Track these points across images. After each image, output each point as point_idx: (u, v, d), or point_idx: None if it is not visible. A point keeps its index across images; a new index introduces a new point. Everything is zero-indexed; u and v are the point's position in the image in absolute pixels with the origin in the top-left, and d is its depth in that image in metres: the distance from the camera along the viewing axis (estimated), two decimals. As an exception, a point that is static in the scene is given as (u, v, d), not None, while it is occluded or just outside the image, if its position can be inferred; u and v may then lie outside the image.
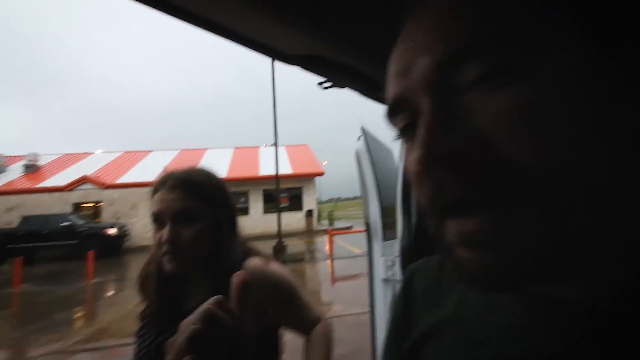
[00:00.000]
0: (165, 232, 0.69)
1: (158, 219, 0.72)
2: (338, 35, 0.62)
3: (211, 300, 0.33)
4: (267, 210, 17.68)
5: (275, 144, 9.90)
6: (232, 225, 0.79)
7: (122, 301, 6.18)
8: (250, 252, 0.82)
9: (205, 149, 22.09)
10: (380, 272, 1.34)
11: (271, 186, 16.97)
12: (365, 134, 1.54)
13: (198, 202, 0.72)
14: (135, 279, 0.81)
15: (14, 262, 7.90)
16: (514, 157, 0.20)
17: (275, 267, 0.80)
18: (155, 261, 0.76)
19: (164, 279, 0.74)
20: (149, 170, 17.54)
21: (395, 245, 1.33)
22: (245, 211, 17.47)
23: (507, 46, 0.21)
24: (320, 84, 0.85)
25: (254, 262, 0.76)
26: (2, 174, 16.71)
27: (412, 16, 0.26)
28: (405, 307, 0.40)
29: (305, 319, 0.82)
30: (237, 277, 0.34)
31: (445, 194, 0.23)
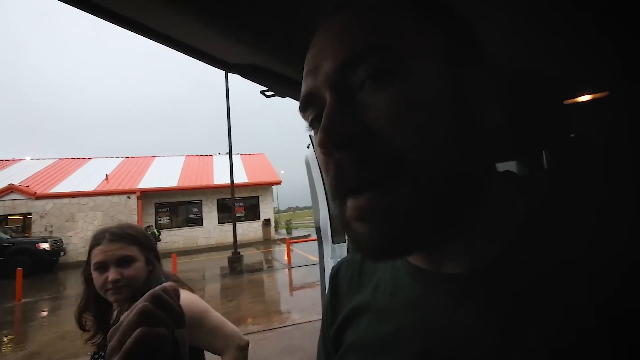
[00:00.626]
0: (111, 274, 0.89)
1: (101, 266, 0.91)
2: (275, 46, 0.66)
3: (144, 298, 0.36)
4: (222, 220, 17.04)
5: (230, 152, 9.66)
6: (157, 261, 1.02)
7: (57, 322, 5.54)
8: (169, 277, 1.02)
9: (153, 157, 20.78)
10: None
11: (226, 195, 16.45)
12: (313, 141, 1.61)
13: (133, 248, 0.95)
14: (74, 316, 0.98)
15: None
16: (392, 142, 0.26)
17: (185, 295, 0.94)
18: (96, 301, 0.95)
19: (104, 313, 0.96)
20: (88, 179, 16.05)
21: (345, 248, 1.39)
22: (198, 222, 16.68)
23: (388, 55, 0.26)
24: (262, 92, 0.88)
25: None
26: None
27: (322, 26, 0.31)
28: (332, 297, 0.45)
29: (212, 341, 0.94)
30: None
31: (345, 175, 0.27)
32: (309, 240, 13.64)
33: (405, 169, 0.25)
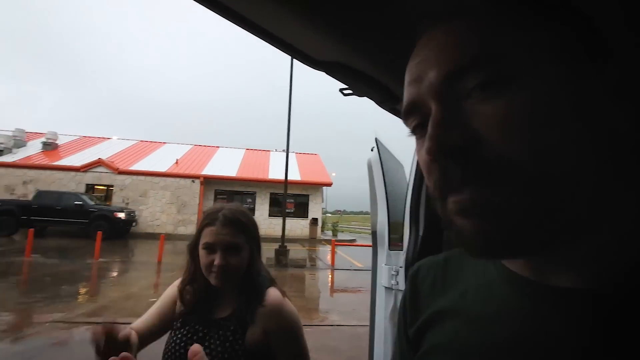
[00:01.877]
0: (217, 258, 0.89)
1: (210, 247, 0.91)
2: (362, 45, 0.67)
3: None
4: (272, 214, 17.73)
5: (287, 150, 10.00)
6: (259, 252, 1.02)
7: (125, 283, 6.27)
8: (270, 280, 1.01)
9: (217, 147, 22.38)
10: (383, 280, 1.36)
11: (279, 190, 17.07)
12: (379, 145, 1.58)
13: (242, 237, 0.94)
14: (178, 289, 0.97)
15: (27, 232, 8.19)
16: (498, 151, 0.26)
17: (291, 306, 0.96)
18: (198, 276, 0.94)
19: (204, 291, 0.94)
20: (162, 161, 17.85)
21: (401, 256, 1.35)
22: (251, 212, 17.49)
23: (497, 65, 0.26)
24: (342, 90, 0.89)
25: (275, 294, 0.95)
26: (21, 149, 17.21)
27: (424, 36, 0.32)
28: (412, 297, 0.44)
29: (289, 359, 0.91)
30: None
31: (449, 179, 0.28)
32: (355, 245, 13.54)
33: (511, 176, 0.26)
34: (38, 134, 19.01)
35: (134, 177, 15.92)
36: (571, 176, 0.25)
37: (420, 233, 1.19)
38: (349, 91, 0.89)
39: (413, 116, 0.33)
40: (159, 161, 17.79)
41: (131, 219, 13.70)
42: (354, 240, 17.57)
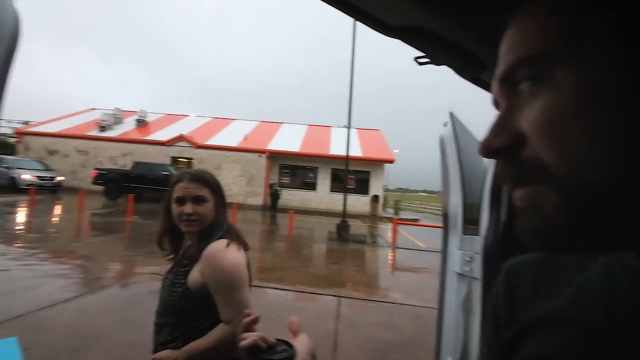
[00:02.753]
0: (187, 208, 1.06)
1: (180, 200, 1.08)
2: (446, 8, 0.58)
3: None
4: (333, 189, 18.01)
5: (348, 125, 9.86)
6: (224, 207, 1.16)
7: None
8: (230, 233, 1.11)
9: (281, 123, 23.12)
10: (454, 265, 1.29)
11: (340, 166, 17.15)
12: (454, 119, 1.44)
13: (206, 190, 1.10)
14: (156, 239, 1.16)
15: (128, 197, 9.70)
16: (538, 155, 0.26)
17: (226, 256, 1.02)
18: (172, 228, 1.12)
19: (178, 239, 1.14)
20: (232, 136, 19.16)
21: (477, 242, 1.25)
22: (313, 187, 18.07)
23: (548, 60, 0.26)
24: (417, 58, 0.81)
25: (219, 242, 1.05)
26: (119, 125, 20.01)
27: (517, 15, 0.30)
28: (508, 296, 0.39)
29: (221, 307, 0.99)
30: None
31: (503, 174, 0.30)
32: (418, 225, 13.14)
33: (548, 176, 0.26)
34: (132, 112, 21.81)
35: (210, 151, 17.45)
36: (618, 175, 0.24)
37: (503, 218, 1.07)
38: (426, 60, 0.81)
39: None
40: (230, 136, 19.15)
41: (208, 189, 15.21)
42: (417, 220, 17.04)
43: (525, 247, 0.41)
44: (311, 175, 18.19)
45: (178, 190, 1.08)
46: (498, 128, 0.29)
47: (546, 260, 0.39)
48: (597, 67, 0.24)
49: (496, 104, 0.32)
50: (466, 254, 1.25)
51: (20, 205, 9.97)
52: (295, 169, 18.31)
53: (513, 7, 0.30)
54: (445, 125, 1.55)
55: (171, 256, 1.15)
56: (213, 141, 18.29)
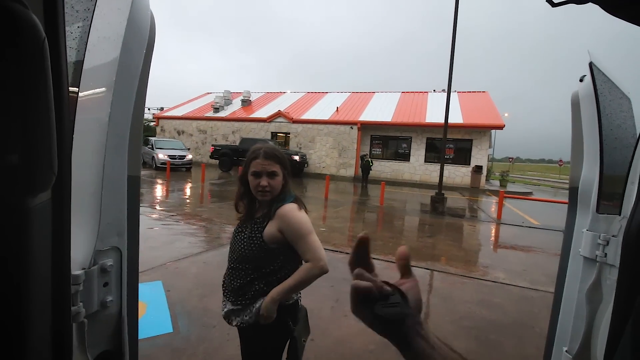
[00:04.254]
0: (263, 181, 1.26)
1: (257, 174, 1.26)
2: None
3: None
4: (428, 159, 16.96)
5: (448, 89, 8.89)
6: (290, 179, 1.34)
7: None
8: (295, 198, 1.32)
9: (373, 93, 22.41)
10: (582, 248, 1.08)
11: (437, 135, 15.88)
12: (594, 72, 1.15)
13: (277, 166, 1.28)
14: (234, 203, 1.39)
15: (237, 169, 11.06)
16: None
17: (298, 213, 1.26)
18: (247, 194, 1.33)
19: (252, 203, 1.34)
20: (325, 109, 19.58)
21: (616, 223, 1.01)
22: (406, 157, 17.35)
23: None
24: (549, -1, 0.65)
25: (291, 204, 1.28)
26: (229, 106, 22.61)
27: None
28: None
29: (301, 252, 1.24)
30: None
31: None
32: (530, 199, 11.45)
33: None
34: (238, 93, 24.25)
35: (304, 125, 18.31)
36: None
37: (660, 194, 0.83)
38: (563, -3, 0.65)
39: None
40: (323, 110, 19.62)
41: (304, 161, 16.20)
42: (529, 194, 14.82)
43: None
44: (404, 145, 17.42)
45: (254, 166, 1.26)
46: None
47: None
48: None
49: None
50: (599, 235, 1.03)
51: (158, 179, 12.40)
52: (387, 140, 17.79)
53: None
54: (581, 80, 1.26)
55: (242, 216, 1.36)
56: (307, 115, 19.07)
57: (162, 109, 30.72)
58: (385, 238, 5.82)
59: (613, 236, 1.02)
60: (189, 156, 16.03)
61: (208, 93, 26.49)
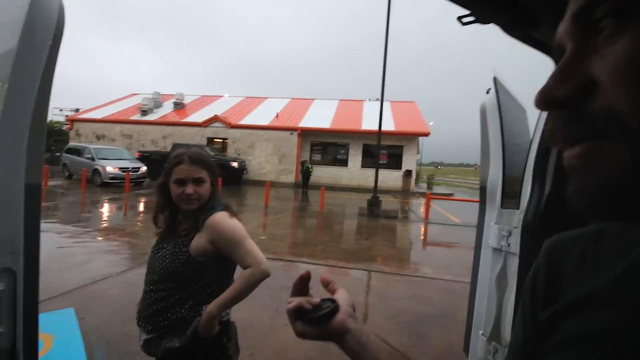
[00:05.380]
0: (188, 189, 1.15)
1: (181, 181, 1.15)
2: None
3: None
4: (364, 165, 17.81)
5: (381, 99, 9.52)
6: (217, 185, 1.25)
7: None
8: (225, 206, 1.24)
9: (312, 99, 22.87)
10: (490, 240, 1.24)
11: (372, 141, 16.80)
12: (497, 86, 1.33)
13: (204, 172, 1.19)
14: (152, 216, 1.25)
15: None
16: (614, 104, 0.22)
17: (230, 221, 1.18)
18: (168, 205, 1.21)
19: (174, 215, 1.23)
20: (265, 115, 19.35)
21: (516, 216, 1.18)
22: (344, 163, 17.98)
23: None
24: (460, 17, 0.75)
25: (221, 213, 1.19)
26: (159, 109, 20.93)
27: None
28: (548, 275, 0.37)
29: (239, 260, 1.17)
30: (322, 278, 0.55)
31: (557, 132, 0.26)
32: (452, 199, 12.75)
33: (622, 130, 0.22)
34: (170, 96, 22.63)
35: (243, 130, 17.82)
36: None
37: (547, 191, 1.00)
38: (470, 18, 0.75)
39: (558, 60, 0.27)
40: (262, 115, 19.35)
41: (242, 168, 15.70)
42: (451, 195, 16.50)
43: (571, 221, 0.38)
44: (342, 151, 18.05)
45: (178, 172, 1.16)
46: (563, 74, 0.25)
47: (594, 236, 0.35)
48: None
49: (559, 50, 0.27)
50: (503, 228, 1.19)
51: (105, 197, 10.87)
52: (327, 146, 18.25)
53: None
54: (488, 92, 1.45)
55: (161, 231, 1.23)
56: (246, 120, 18.61)
57: (77, 110, 27.17)
58: (325, 242, 5.93)
59: (514, 228, 1.19)
60: (144, 167, 13.22)
61: (134, 94, 24.21)
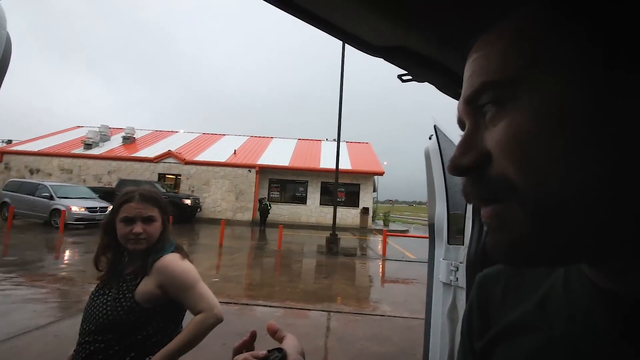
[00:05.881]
0: (136, 228, 1.09)
1: (129, 220, 1.09)
2: (426, 28, 0.62)
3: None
4: (323, 202, 17.98)
5: (338, 139, 9.98)
6: (169, 224, 1.20)
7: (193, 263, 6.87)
8: (176, 247, 1.19)
9: (271, 138, 23.18)
10: (440, 275, 1.30)
11: (330, 179, 17.18)
12: (438, 132, 1.49)
13: (156, 210, 1.14)
14: (93, 258, 1.15)
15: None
16: (504, 172, 0.27)
17: (182, 263, 1.13)
18: (113, 246, 1.13)
19: (118, 257, 1.15)
20: (221, 152, 19.07)
21: (461, 252, 1.27)
22: (303, 200, 18.01)
23: (512, 81, 0.27)
24: (400, 76, 0.85)
25: (172, 255, 1.13)
26: (106, 143, 19.68)
27: (484, 35, 0.31)
28: (480, 306, 0.41)
29: (191, 305, 1.09)
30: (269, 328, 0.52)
31: (469, 193, 0.30)
32: (407, 236, 13.18)
33: (513, 192, 0.26)
34: (119, 129, 21.52)
35: (198, 166, 17.28)
36: (580, 191, 0.25)
37: (485, 228, 1.10)
38: (408, 77, 0.85)
39: (461, 129, 0.33)
40: (219, 152, 19.03)
41: (196, 205, 14.98)
42: (406, 231, 17.10)
43: None
44: (301, 189, 18.15)
45: (126, 210, 1.10)
46: (464, 147, 0.29)
47: (513, 270, 0.40)
48: (561, 88, 0.25)
49: (461, 123, 0.33)
50: (451, 263, 1.27)
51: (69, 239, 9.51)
52: (285, 183, 18.27)
53: (491, 25, 0.32)
54: (430, 138, 1.60)
55: (102, 275, 1.14)
56: (202, 157, 18.15)
57: (10, 141, 24.61)
58: (283, 282, 5.71)
59: (460, 262, 1.27)
60: (110, 207, 11.51)
61: (79, 127, 22.65)
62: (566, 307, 0.31)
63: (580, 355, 0.28)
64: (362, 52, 0.75)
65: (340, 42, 10.52)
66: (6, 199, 11.51)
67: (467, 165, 0.29)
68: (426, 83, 0.89)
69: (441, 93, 0.91)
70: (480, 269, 1.16)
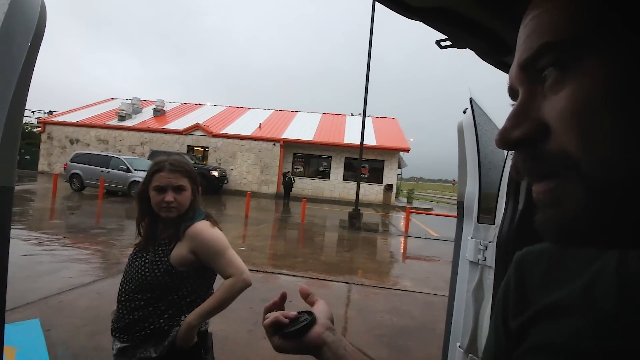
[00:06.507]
0: (167, 196, 1.13)
1: (161, 189, 1.14)
2: None
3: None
4: (346, 178, 17.96)
5: (363, 114, 9.74)
6: (199, 194, 1.24)
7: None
8: (206, 215, 1.23)
9: (295, 112, 23.05)
10: (468, 254, 1.28)
11: (354, 155, 17.03)
12: (474, 106, 1.40)
13: (185, 180, 1.18)
14: (136, 224, 1.21)
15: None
16: (564, 146, 0.24)
17: (212, 231, 1.18)
18: (148, 213, 1.19)
19: (154, 223, 1.20)
20: (247, 125, 19.27)
21: (491, 231, 1.23)
22: (326, 175, 18.07)
23: (578, 48, 0.24)
24: (439, 42, 0.79)
25: (203, 222, 1.18)
26: (138, 115, 20.43)
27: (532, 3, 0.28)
28: (518, 286, 0.39)
29: (221, 269, 1.16)
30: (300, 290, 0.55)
31: (520, 168, 0.28)
32: (431, 214, 13.01)
33: (575, 169, 0.24)
34: (150, 102, 22.17)
35: (225, 139, 17.65)
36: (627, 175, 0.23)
37: (520, 207, 1.05)
38: (448, 43, 0.79)
39: (514, 99, 0.30)
40: (245, 125, 19.26)
41: (223, 177, 15.47)
42: (430, 209, 16.86)
43: (539, 236, 0.41)
44: (324, 164, 18.17)
45: (158, 180, 1.14)
46: (518, 118, 0.27)
47: (559, 250, 0.38)
48: (634, 52, 0.22)
49: (513, 92, 0.30)
50: (480, 242, 1.23)
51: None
52: (309, 158, 18.32)
53: None
54: (464, 112, 1.51)
55: (140, 240, 1.21)
56: (228, 130, 18.45)
57: (51, 112, 26.09)
58: (306, 254, 5.88)
59: (490, 242, 1.23)
60: None
61: (112, 99, 23.54)
62: (618, 289, 0.30)
63: (630, 336, 0.27)
64: (395, 15, 0.70)
65: (369, 11, 10.03)
66: (76, 170, 11.90)
67: (519, 138, 0.26)
68: (466, 50, 0.83)
69: (474, 66, 0.84)
70: (512, 248, 1.12)
